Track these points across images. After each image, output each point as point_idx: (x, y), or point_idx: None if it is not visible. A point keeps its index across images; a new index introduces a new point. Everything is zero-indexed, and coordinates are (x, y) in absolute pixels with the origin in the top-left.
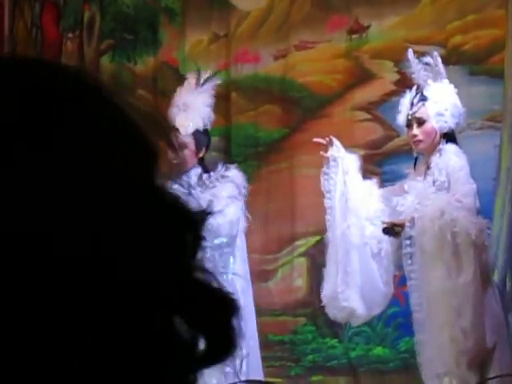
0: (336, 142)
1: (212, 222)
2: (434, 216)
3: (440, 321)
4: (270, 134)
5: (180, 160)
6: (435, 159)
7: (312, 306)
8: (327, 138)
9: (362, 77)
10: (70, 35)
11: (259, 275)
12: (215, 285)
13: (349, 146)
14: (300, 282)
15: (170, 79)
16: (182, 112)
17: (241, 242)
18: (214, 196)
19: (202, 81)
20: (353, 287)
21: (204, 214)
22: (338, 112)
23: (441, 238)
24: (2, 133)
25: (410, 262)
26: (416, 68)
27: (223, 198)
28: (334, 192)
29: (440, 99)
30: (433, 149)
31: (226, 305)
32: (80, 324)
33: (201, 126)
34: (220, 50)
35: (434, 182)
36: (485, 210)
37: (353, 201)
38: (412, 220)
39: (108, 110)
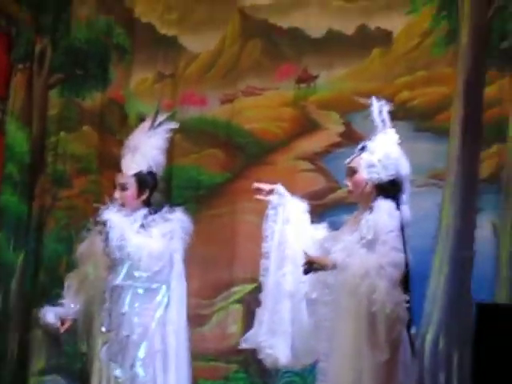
0: (280, 189)
1: (133, 253)
2: (357, 273)
3: (343, 380)
4: (213, 177)
5: (122, 200)
6: (366, 215)
7: (245, 354)
8: (269, 187)
9: (308, 126)
10: (21, 66)
11: (194, 319)
12: None
13: (290, 194)
14: (234, 328)
15: (116, 116)
16: (130, 153)
17: (178, 286)
18: (149, 235)
19: (155, 123)
20: (280, 335)
21: None
22: (282, 160)
23: (358, 299)
24: None
25: (324, 310)
26: (375, 116)
27: (155, 236)
28: (271, 240)
29: (376, 150)
30: (367, 202)
31: None
32: None
33: (145, 168)
34: (165, 90)
35: (361, 238)
36: (423, 268)
37: (292, 249)
38: (334, 266)
39: None
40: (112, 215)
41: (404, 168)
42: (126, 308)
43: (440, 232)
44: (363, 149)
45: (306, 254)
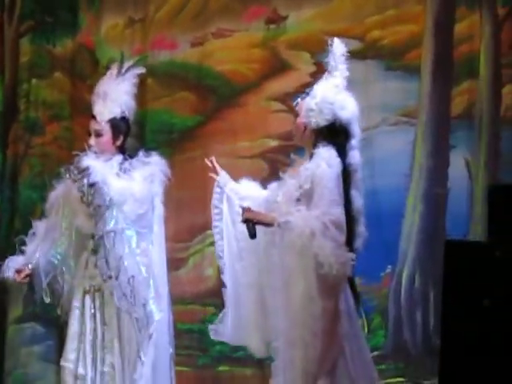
0: (221, 180)
1: (117, 198)
2: (303, 234)
3: (295, 336)
4: (185, 121)
5: (98, 146)
6: (306, 162)
7: (221, 296)
8: (215, 167)
9: (279, 67)
10: None
11: (171, 263)
12: None
13: (263, 135)
14: (210, 271)
15: (88, 62)
16: (101, 100)
17: (159, 229)
18: (129, 179)
19: (123, 69)
20: (247, 326)
21: None
22: (254, 102)
23: (305, 261)
24: None
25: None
26: (331, 58)
27: (137, 179)
28: (220, 240)
29: (316, 94)
30: (308, 147)
31: None
32: None
33: (118, 114)
34: (135, 35)
35: (299, 187)
36: (397, 206)
37: (247, 240)
38: (278, 225)
39: None
40: (92, 161)
41: (346, 112)
42: (126, 250)
43: (413, 170)
44: (309, 92)
45: (242, 208)
